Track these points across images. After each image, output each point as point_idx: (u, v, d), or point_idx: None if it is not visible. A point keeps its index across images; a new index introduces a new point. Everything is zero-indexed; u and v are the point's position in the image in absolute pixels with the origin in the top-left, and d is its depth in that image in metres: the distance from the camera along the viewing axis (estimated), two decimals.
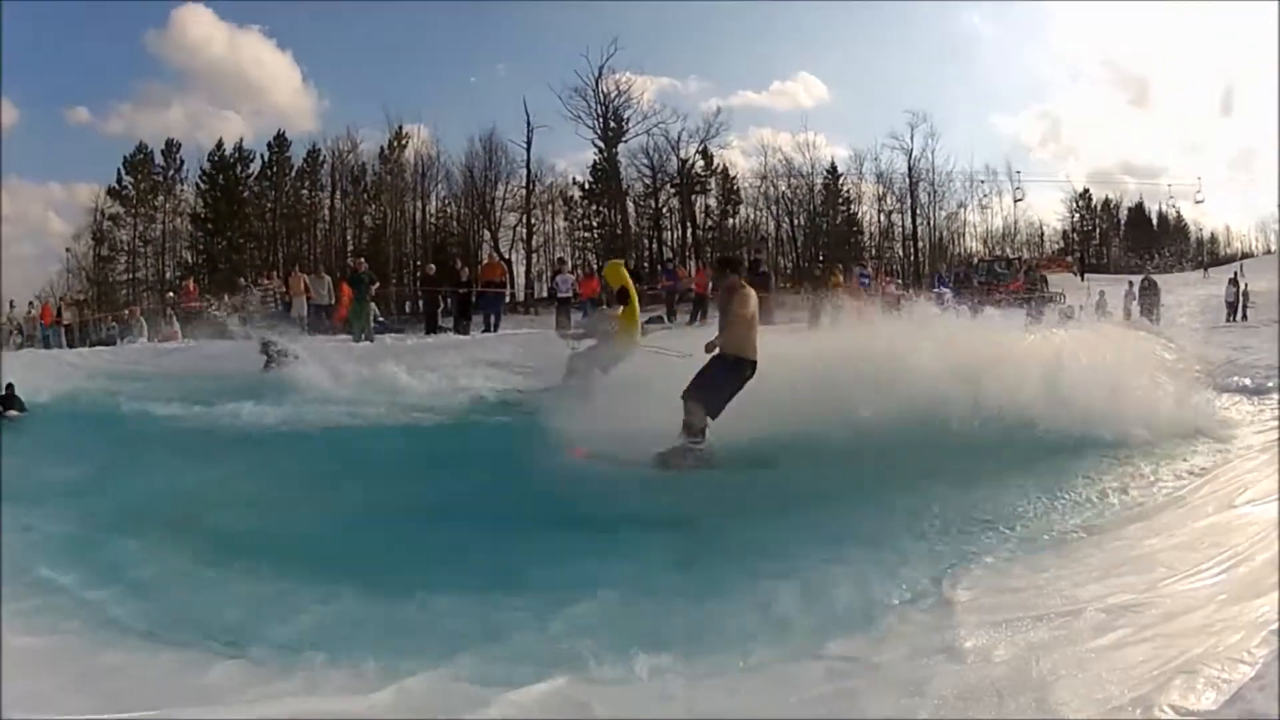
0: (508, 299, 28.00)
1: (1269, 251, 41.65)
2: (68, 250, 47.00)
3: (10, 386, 15.75)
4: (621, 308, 10.92)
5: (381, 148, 48.66)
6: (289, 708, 3.44)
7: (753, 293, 8.07)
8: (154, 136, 50.98)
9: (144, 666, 3.98)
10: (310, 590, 5.05)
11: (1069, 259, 44.06)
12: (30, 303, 30.59)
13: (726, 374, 7.71)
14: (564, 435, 8.29)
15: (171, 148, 49.34)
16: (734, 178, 45.82)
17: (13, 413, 15.17)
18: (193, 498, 7.95)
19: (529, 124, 45.42)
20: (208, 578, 5.49)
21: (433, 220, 49.19)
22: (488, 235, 47.46)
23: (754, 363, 7.73)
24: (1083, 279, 40.44)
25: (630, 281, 11.36)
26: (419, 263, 45.71)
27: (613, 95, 45.10)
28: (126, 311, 30.38)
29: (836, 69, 50.87)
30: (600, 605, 4.48)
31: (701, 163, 46.10)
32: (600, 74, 44.53)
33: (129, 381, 17.47)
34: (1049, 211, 46.64)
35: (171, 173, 49.45)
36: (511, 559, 5.46)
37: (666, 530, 5.91)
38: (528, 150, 46.17)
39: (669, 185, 45.18)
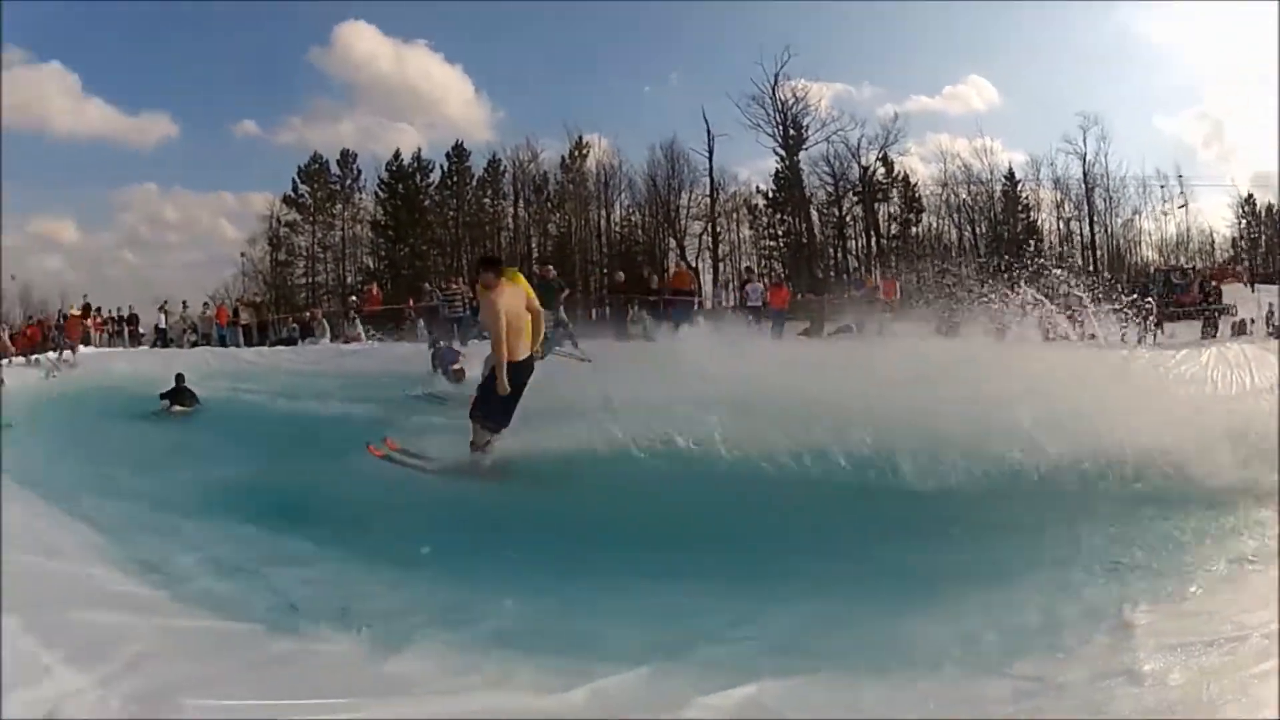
0: (696, 307, 29.19)
1: None
2: (242, 255, 50.24)
3: (180, 377, 16.54)
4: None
5: (563, 157, 50.52)
6: (479, 703, 3.60)
7: (500, 296, 8.77)
8: (326, 147, 54.89)
9: (323, 655, 4.13)
10: (500, 587, 5.27)
11: (1239, 268, 43.17)
12: (205, 304, 32.23)
13: (489, 386, 8.86)
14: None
15: (347, 158, 52.54)
16: (914, 185, 47.75)
17: (178, 408, 15.68)
18: (367, 494, 8.48)
19: (709, 133, 46.94)
20: (388, 574, 5.81)
21: (617, 228, 50.73)
22: (673, 243, 48.90)
23: (520, 364, 8.68)
24: (1253, 289, 38.52)
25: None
26: (605, 271, 47.14)
27: (790, 103, 46.21)
28: (308, 314, 32.06)
29: (1004, 71, 48.62)
30: (795, 614, 4.76)
31: (882, 170, 47.14)
32: (776, 81, 45.64)
33: (307, 380, 19.66)
34: (1217, 217, 45.88)
35: (349, 181, 52.66)
36: (707, 565, 5.75)
37: (853, 546, 6.14)
38: (709, 159, 47.61)
39: (851, 193, 47.40)
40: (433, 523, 7.22)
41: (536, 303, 9.32)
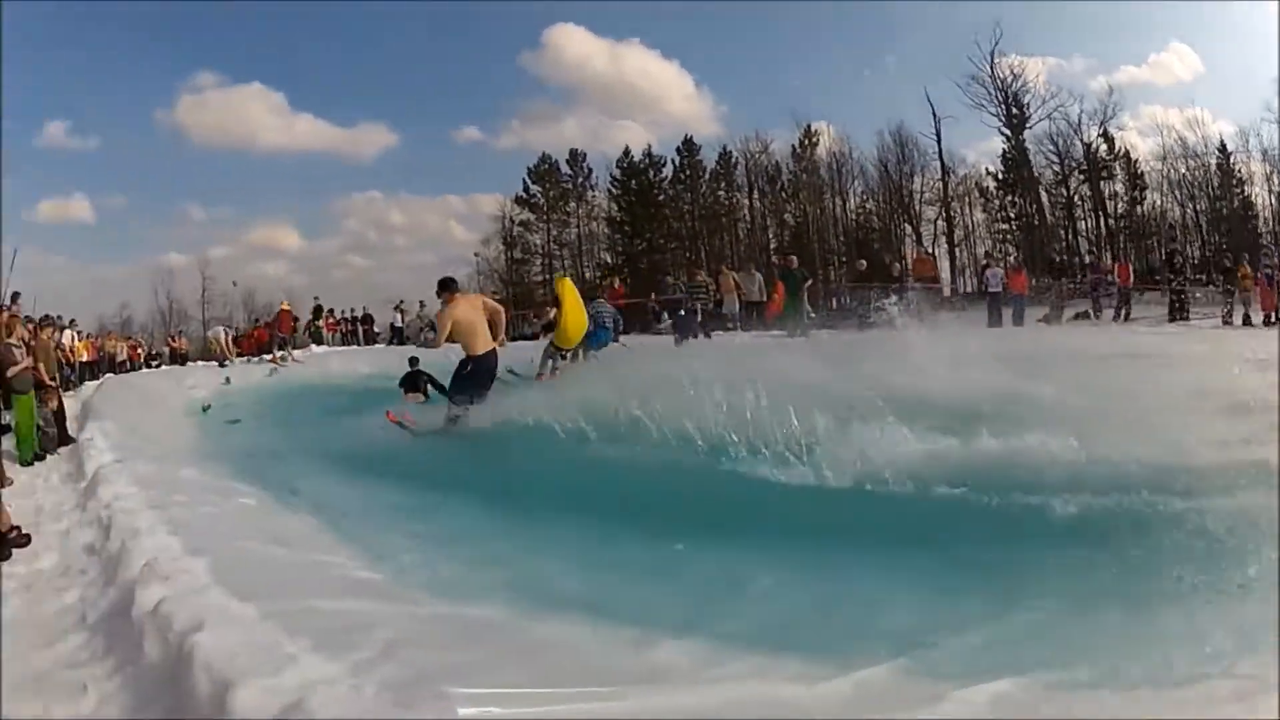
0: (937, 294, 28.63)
1: None
2: (476, 255, 53.15)
3: (414, 360, 17.15)
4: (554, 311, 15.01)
5: (793, 146, 50.73)
6: (741, 692, 3.54)
7: (454, 307, 11.28)
8: (549, 148, 56.96)
9: (577, 644, 4.09)
10: (751, 579, 5.25)
11: None
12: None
13: (460, 375, 11.54)
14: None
15: (576, 157, 54.57)
16: (1135, 161, 45.44)
17: (414, 395, 16.33)
18: (603, 486, 8.30)
19: (935, 115, 46.25)
20: (636, 564, 5.75)
21: (853, 216, 50.40)
22: (909, 230, 48.31)
23: (478, 356, 11.26)
24: None
25: (570, 294, 15.25)
26: (843, 259, 47.58)
27: (1008, 80, 45.14)
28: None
29: (1203, 35, 44.47)
30: (1034, 614, 4.58)
31: (1104, 147, 45.11)
32: (992, 59, 44.73)
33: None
34: None
35: (580, 180, 54.70)
36: (963, 560, 5.57)
37: (1094, 550, 5.67)
38: (938, 142, 46.87)
39: (1077, 172, 45.73)
40: (681, 515, 7.00)
41: (495, 305, 12.22)
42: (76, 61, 58.78)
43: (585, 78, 59.15)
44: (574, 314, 14.94)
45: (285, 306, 31.56)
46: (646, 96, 58.87)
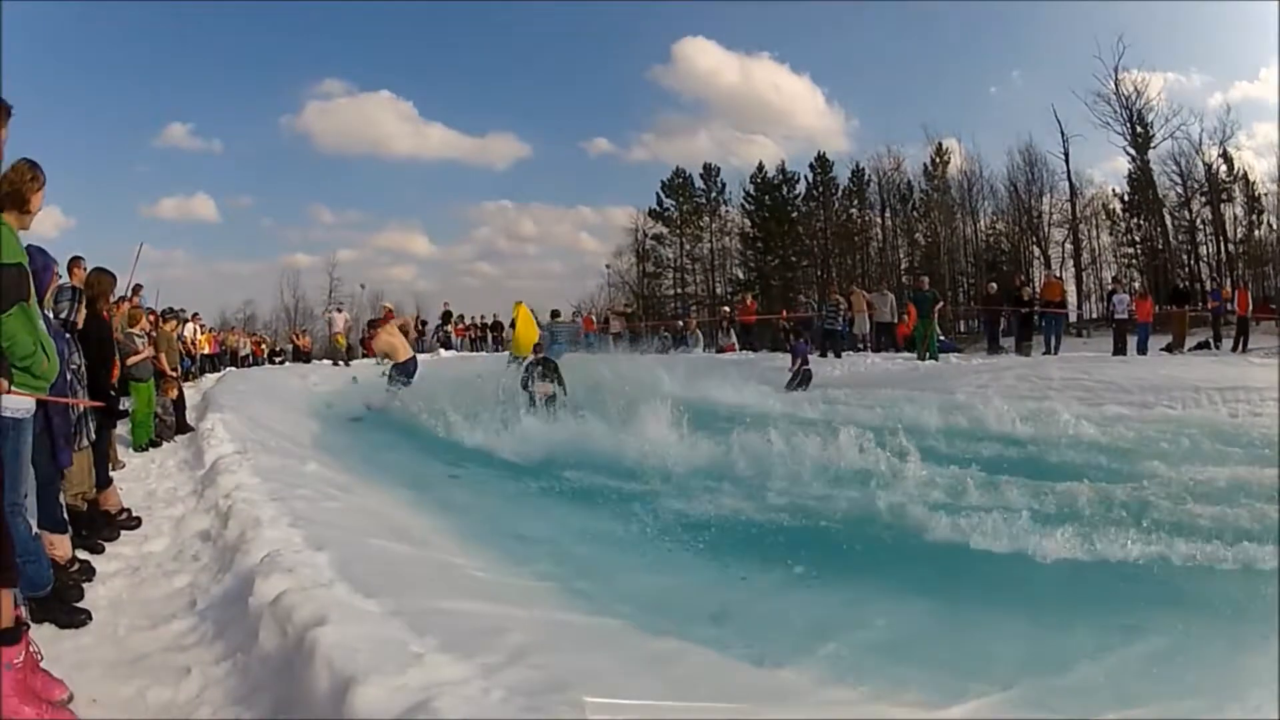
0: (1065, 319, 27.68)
1: None
2: (607, 266, 54.01)
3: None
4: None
5: (925, 165, 50.36)
6: (863, 713, 3.68)
7: (381, 333, 18.01)
8: (680, 161, 57.56)
9: (702, 657, 4.11)
10: (868, 603, 5.32)
11: None
12: (575, 311, 35.67)
13: (392, 375, 16.99)
14: None
15: (710, 171, 54.98)
16: (1253, 183, 43.68)
17: (544, 386, 16.19)
18: (744, 502, 8.38)
19: (1063, 134, 45.24)
20: (756, 583, 5.92)
21: (983, 237, 49.64)
22: (1037, 252, 47.44)
23: (400, 363, 16.93)
24: None
25: (524, 316, 20.75)
26: (972, 280, 46.71)
27: (1132, 97, 43.55)
28: (681, 323, 32.65)
29: None
30: (1148, 647, 4.60)
31: (1224, 167, 43.27)
32: (1116, 74, 43.40)
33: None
34: None
35: (714, 194, 54.92)
36: (1075, 591, 5.70)
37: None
38: (1066, 161, 45.85)
39: (1199, 194, 44.08)
40: (800, 541, 6.94)
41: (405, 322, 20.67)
42: (199, 65, 62.16)
43: (716, 91, 59.69)
44: (524, 332, 19.82)
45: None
46: (777, 110, 59.05)
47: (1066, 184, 45.88)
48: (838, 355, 20.85)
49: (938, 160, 49.68)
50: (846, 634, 4.76)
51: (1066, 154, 45.26)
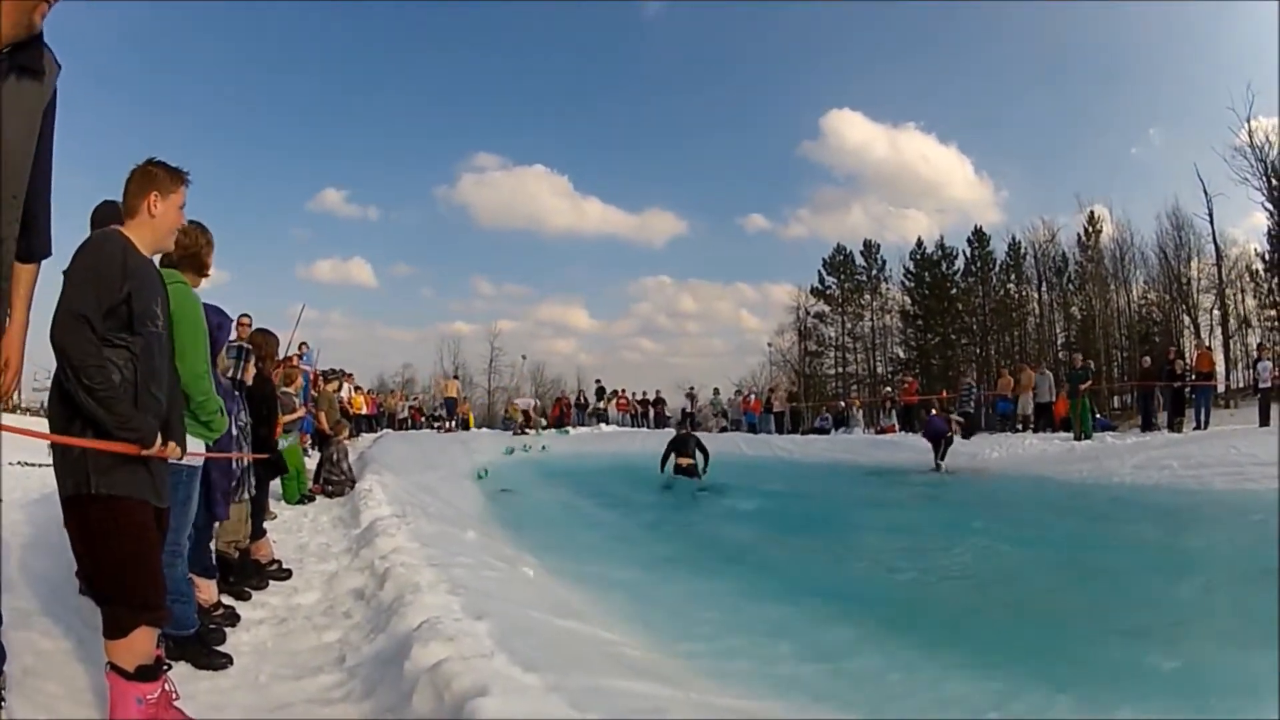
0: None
1: None
2: (769, 345, 54.59)
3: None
4: None
5: (1078, 235, 49.11)
6: None
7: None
8: (836, 237, 58.58)
9: None
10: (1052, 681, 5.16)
11: None
12: (737, 390, 35.42)
13: None
14: None
15: (870, 248, 55.18)
16: None
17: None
18: (906, 580, 8.60)
19: (1205, 193, 42.91)
20: (926, 663, 5.67)
21: (1136, 308, 47.84)
22: (1187, 320, 44.89)
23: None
24: None
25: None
26: (1125, 353, 44.98)
27: (1264, 147, 40.35)
28: (843, 404, 32.52)
29: None
30: None
31: None
32: (1249, 125, 40.40)
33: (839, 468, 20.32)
34: None
35: (874, 272, 54.84)
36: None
37: None
38: (1210, 222, 43.35)
39: None
40: (972, 618, 7.01)
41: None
42: (353, 135, 66.20)
43: (866, 164, 60.55)
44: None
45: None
46: (928, 182, 59.55)
47: (1212, 246, 43.71)
48: (965, 437, 20.23)
49: (1090, 229, 48.57)
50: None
51: (1210, 214, 43.16)
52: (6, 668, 3.25)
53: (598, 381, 35.38)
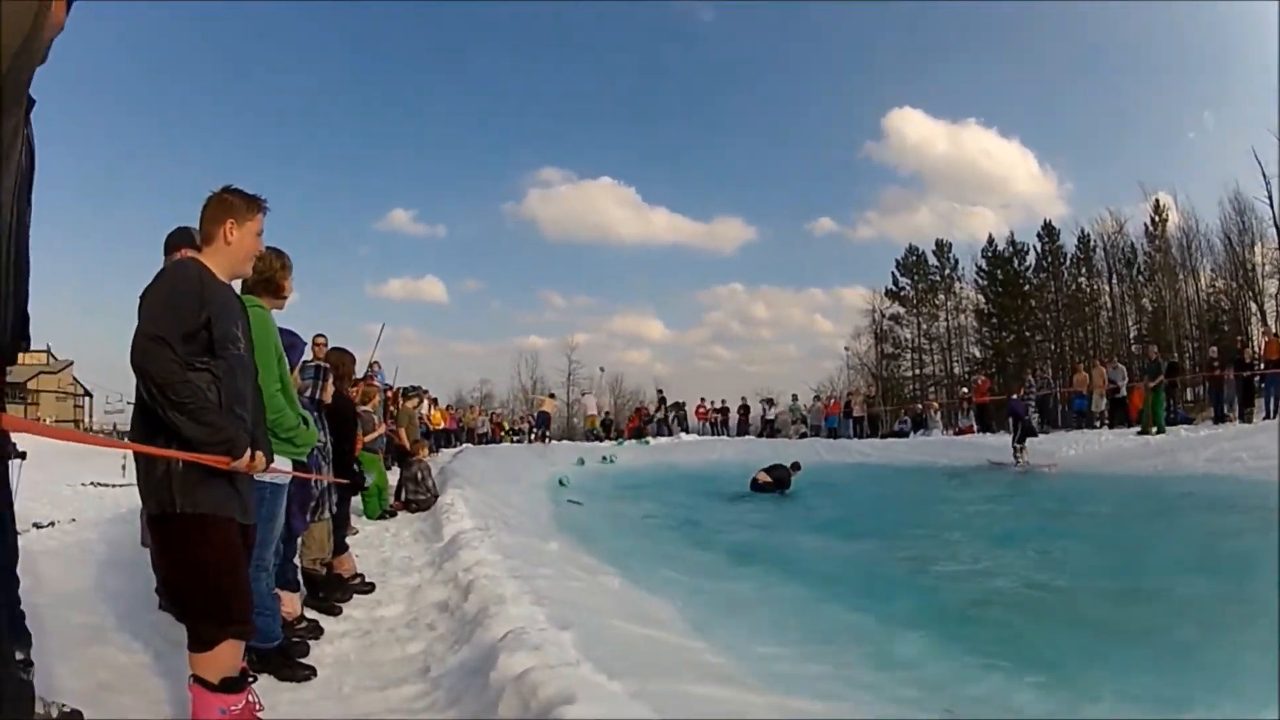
0: None
1: None
2: (846, 349, 54.30)
3: (796, 465, 17.44)
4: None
5: (1145, 225, 48.13)
6: None
7: None
8: (906, 237, 58.13)
9: None
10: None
11: None
12: (815, 395, 35.47)
13: None
14: None
15: (942, 248, 54.53)
16: None
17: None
18: (981, 585, 8.48)
19: (1264, 175, 41.33)
20: (998, 668, 5.61)
21: (1204, 297, 46.59)
22: (1254, 308, 43.61)
23: None
24: None
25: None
26: (1196, 344, 43.58)
27: None
28: (920, 406, 32.76)
29: None
30: None
31: None
32: None
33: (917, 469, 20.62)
34: None
35: (947, 271, 54.15)
36: None
37: None
38: (1270, 205, 41.76)
39: None
40: (1038, 623, 6.97)
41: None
42: (418, 154, 67.38)
43: (929, 162, 60.05)
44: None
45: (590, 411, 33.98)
46: (992, 178, 58.87)
47: (1274, 230, 42.41)
48: (1032, 434, 20.21)
49: (1156, 219, 47.67)
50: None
51: (1270, 198, 41.74)
52: (80, 684, 3.47)
53: (659, 392, 35.55)
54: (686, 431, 30.88)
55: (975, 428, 26.86)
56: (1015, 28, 64.40)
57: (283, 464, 4.29)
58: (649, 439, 28.29)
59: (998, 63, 64.11)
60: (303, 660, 4.62)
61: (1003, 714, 4.82)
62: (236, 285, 3.73)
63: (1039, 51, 63.24)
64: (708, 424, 32.61)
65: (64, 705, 3.26)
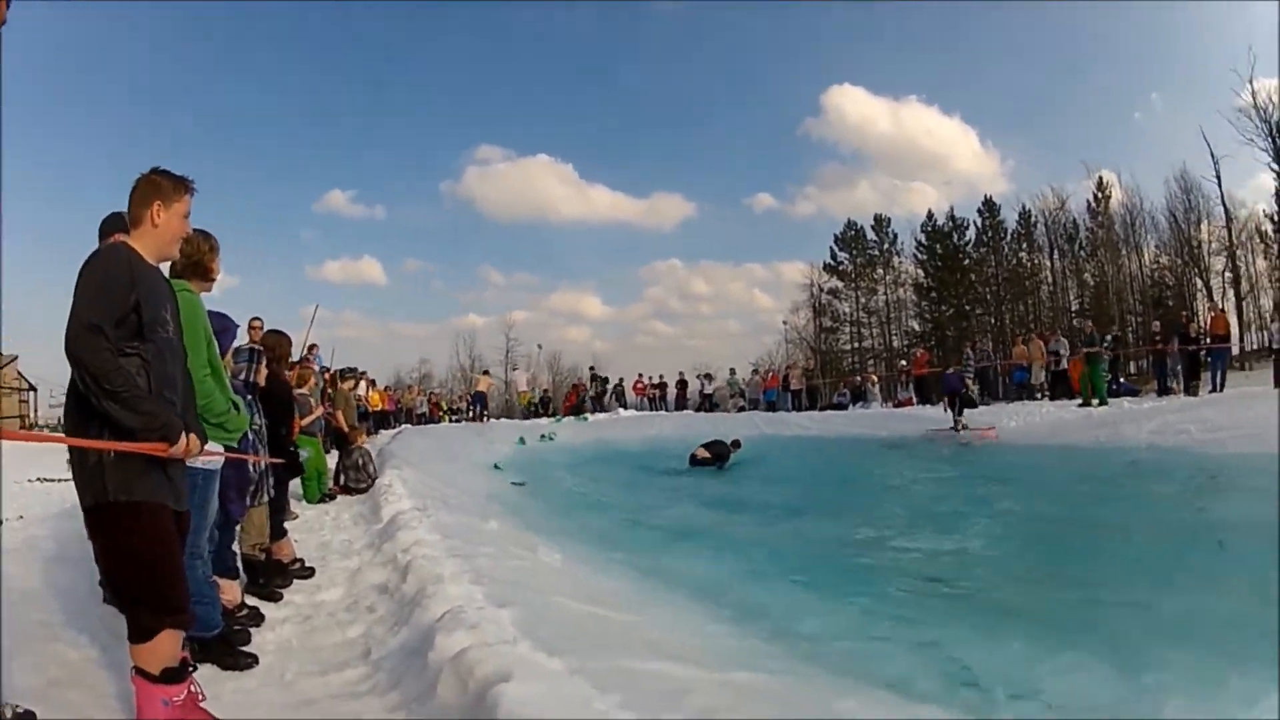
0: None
1: None
2: (784, 323, 54.74)
3: (736, 443, 17.71)
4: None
5: (1088, 201, 49.34)
6: None
7: None
8: (846, 213, 58.59)
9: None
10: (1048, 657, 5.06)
11: None
12: (754, 369, 35.61)
13: None
14: None
15: (881, 223, 55.16)
16: None
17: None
18: (920, 553, 8.58)
19: (1212, 155, 43.10)
20: (942, 639, 5.57)
21: (1148, 272, 48.16)
22: (1199, 284, 45.38)
23: None
24: None
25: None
26: (1140, 318, 45.23)
27: (1269, 109, 40.59)
28: (859, 379, 33.02)
29: None
30: None
31: None
32: (1252, 86, 40.69)
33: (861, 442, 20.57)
34: None
35: (886, 246, 54.82)
36: None
37: None
38: (1218, 184, 43.60)
39: None
40: (1028, 595, 6.91)
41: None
42: (355, 135, 66.38)
43: (870, 139, 60.61)
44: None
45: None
46: (933, 155, 59.39)
47: (1221, 209, 44.12)
48: (970, 406, 20.49)
49: (1099, 196, 48.82)
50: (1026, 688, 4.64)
51: (1218, 176, 43.42)
52: (32, 681, 3.40)
53: (591, 369, 35.89)
54: (625, 407, 31.12)
55: (914, 400, 27.23)
56: (960, 7, 64.95)
57: (215, 448, 4.27)
58: (587, 415, 28.49)
59: (941, 42, 64.79)
60: (245, 648, 4.58)
61: (944, 682, 4.81)
62: (165, 269, 3.69)
63: (984, 31, 64.05)
64: (646, 399, 32.81)
65: (17, 706, 3.25)
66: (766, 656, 5.06)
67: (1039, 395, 22.98)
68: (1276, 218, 42.68)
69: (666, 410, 31.19)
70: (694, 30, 67.67)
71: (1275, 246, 43.12)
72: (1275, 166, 41.51)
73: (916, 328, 53.33)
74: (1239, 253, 43.84)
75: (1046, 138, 61.55)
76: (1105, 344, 21.73)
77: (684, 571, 7.82)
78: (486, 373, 35.96)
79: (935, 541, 9.07)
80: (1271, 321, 22.27)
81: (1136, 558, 7.73)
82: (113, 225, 4.14)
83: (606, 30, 67.91)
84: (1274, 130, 40.75)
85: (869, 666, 4.99)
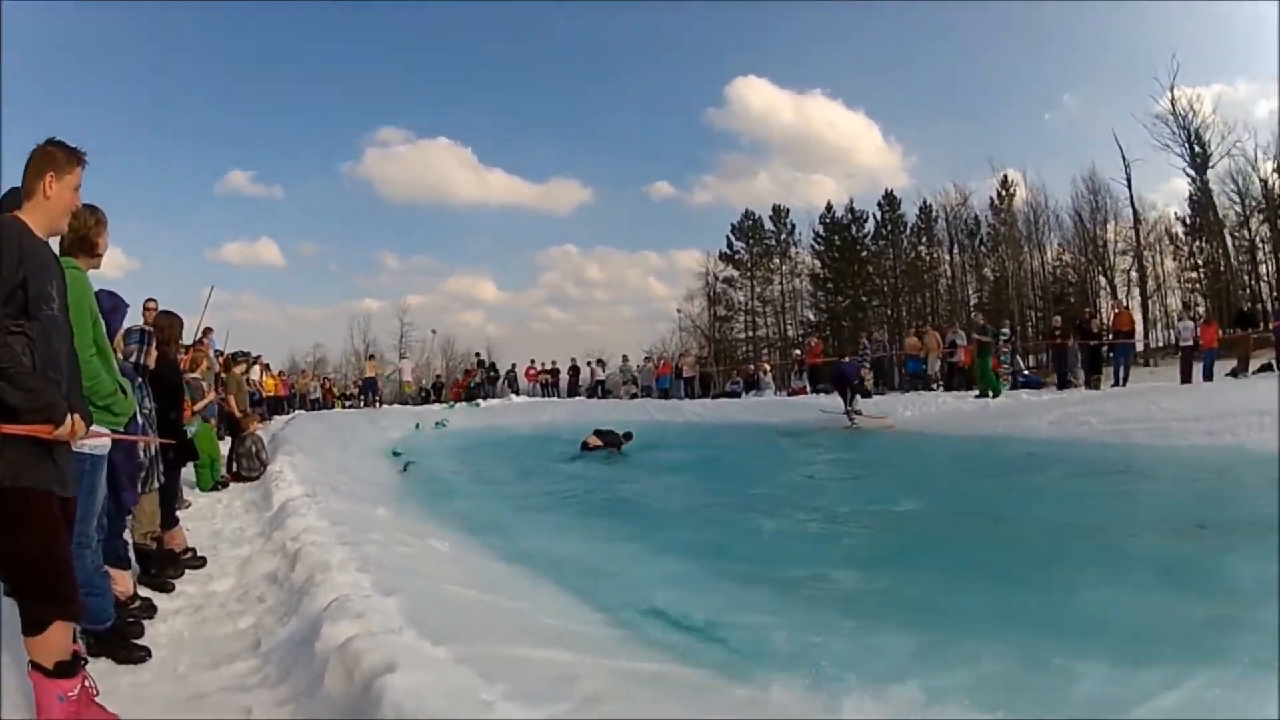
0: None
1: None
2: (678, 311, 54.40)
3: (628, 435, 17.85)
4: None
5: (990, 198, 50.52)
6: None
7: None
8: (745, 203, 58.26)
9: (790, 705, 3.99)
10: (966, 635, 5.10)
11: None
12: (647, 356, 35.89)
13: None
14: None
15: (780, 213, 55.63)
16: None
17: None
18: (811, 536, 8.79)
19: (1124, 158, 44.89)
20: (847, 622, 5.62)
21: (1050, 269, 49.75)
22: (1104, 281, 47.16)
23: None
24: None
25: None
26: (1040, 313, 46.70)
27: (1188, 116, 43.00)
28: (753, 367, 33.10)
29: None
30: None
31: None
32: (1172, 94, 42.98)
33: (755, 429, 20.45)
34: None
35: (783, 236, 55.39)
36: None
37: None
38: (1128, 187, 45.36)
39: (1256, 212, 42.99)
40: (883, 572, 7.15)
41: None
42: (256, 114, 64.67)
43: (772, 131, 61.05)
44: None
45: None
46: (836, 148, 60.30)
47: (1129, 210, 45.78)
48: (864, 395, 20.65)
49: (1003, 193, 49.89)
50: (945, 666, 4.67)
51: (1129, 179, 45.09)
52: None
53: (477, 355, 36.28)
54: (517, 394, 31.13)
55: (808, 389, 27.46)
56: (872, 7, 65.62)
57: (102, 431, 4.17)
58: (480, 402, 28.46)
59: (850, 34, 65.26)
60: (138, 641, 4.54)
61: (817, 670, 4.63)
62: (55, 245, 3.66)
63: (894, 28, 64.56)
64: (539, 385, 32.85)
65: None
66: (653, 643, 5.13)
67: (934, 386, 23.37)
68: (1189, 220, 44.62)
69: (559, 397, 31.29)
70: (599, 19, 67.22)
71: (1186, 249, 44.98)
72: (1190, 172, 43.48)
73: (812, 318, 54.09)
74: (1147, 254, 45.60)
75: (953, 135, 62.50)
76: (1002, 337, 22.42)
77: (573, 558, 7.87)
78: (372, 357, 35.71)
79: (825, 527, 9.25)
80: (1179, 320, 23.00)
81: (1027, 546, 7.84)
82: (11, 202, 4.10)
83: (511, 16, 67.03)
84: (1190, 136, 42.63)
85: (756, 651, 5.06)
